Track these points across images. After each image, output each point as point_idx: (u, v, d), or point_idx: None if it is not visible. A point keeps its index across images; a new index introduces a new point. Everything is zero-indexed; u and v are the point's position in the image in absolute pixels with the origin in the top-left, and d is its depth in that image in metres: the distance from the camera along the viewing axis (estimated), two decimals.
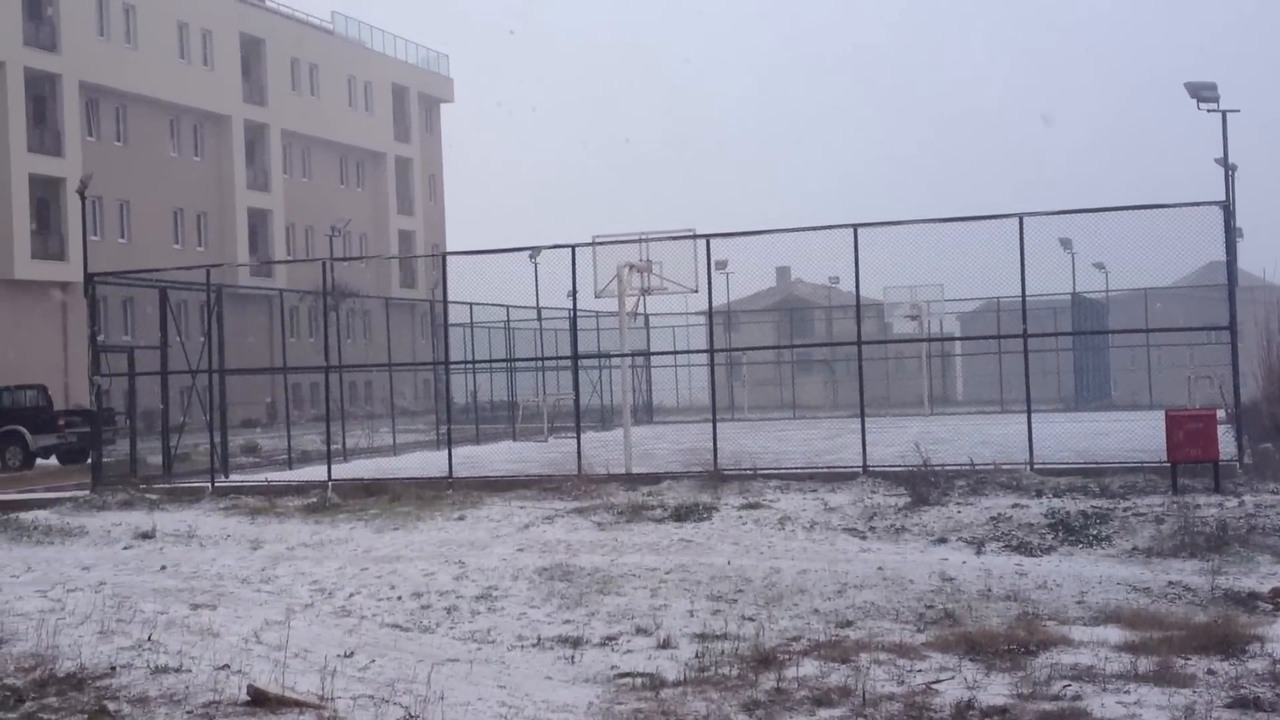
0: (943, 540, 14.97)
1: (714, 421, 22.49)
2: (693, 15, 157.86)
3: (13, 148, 47.69)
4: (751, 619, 11.46)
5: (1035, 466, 19.27)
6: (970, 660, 9.38)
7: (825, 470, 20.90)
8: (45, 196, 49.98)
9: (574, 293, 23.23)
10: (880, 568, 13.45)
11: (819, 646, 10.09)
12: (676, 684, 9.15)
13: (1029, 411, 20.77)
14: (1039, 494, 17.37)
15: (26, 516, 20.06)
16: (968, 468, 19.15)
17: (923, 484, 17.54)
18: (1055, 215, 21.23)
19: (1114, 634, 10.04)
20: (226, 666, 9.68)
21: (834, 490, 18.63)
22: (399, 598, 12.97)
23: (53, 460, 33.20)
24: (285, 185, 63.92)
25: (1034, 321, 23.09)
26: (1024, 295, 20.39)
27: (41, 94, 50.08)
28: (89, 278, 25.05)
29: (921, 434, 27.81)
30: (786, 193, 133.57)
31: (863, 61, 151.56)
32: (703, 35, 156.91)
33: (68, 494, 22.84)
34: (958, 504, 16.87)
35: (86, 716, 8.62)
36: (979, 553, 14.34)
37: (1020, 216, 19.93)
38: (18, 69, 48.09)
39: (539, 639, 10.97)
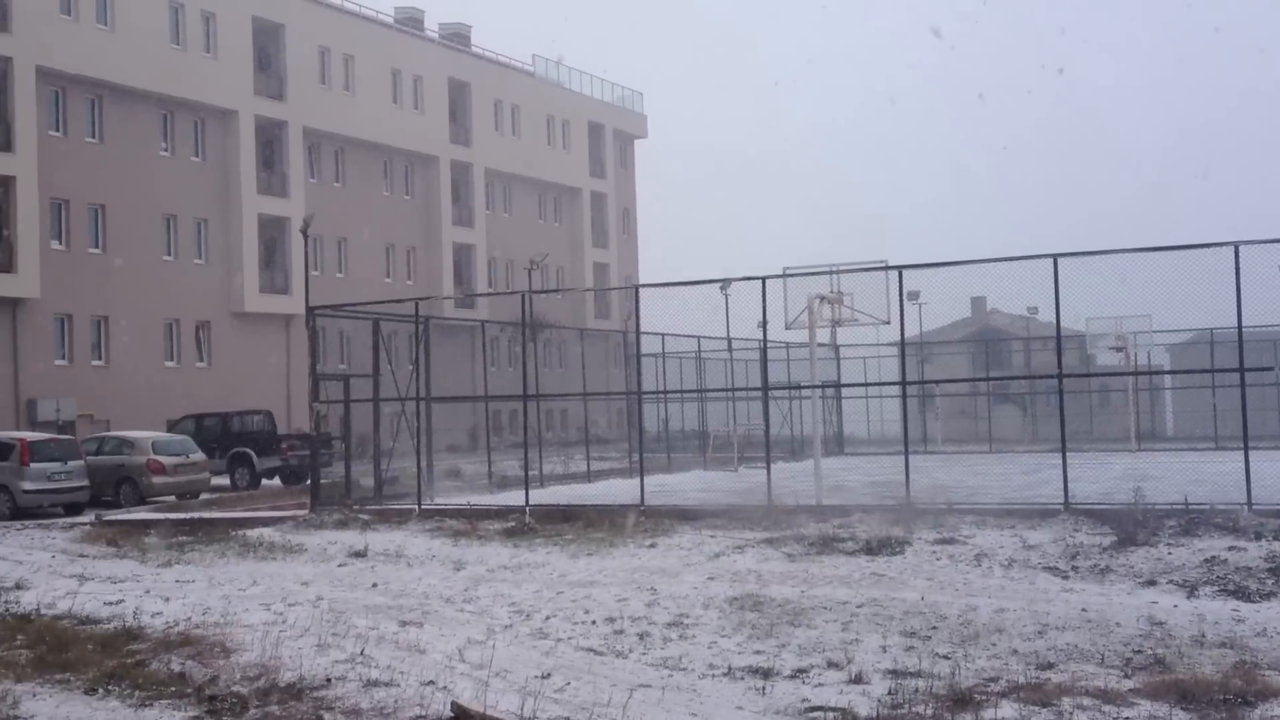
0: (1151, 582, 14.41)
1: (906, 454, 22.26)
2: (885, 47, 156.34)
3: (244, 190, 50.46)
4: (947, 657, 11.18)
5: (1254, 507, 18.51)
6: (1182, 709, 9.04)
7: (1024, 506, 20.49)
8: (272, 235, 52.62)
9: (764, 324, 23.39)
10: (1084, 609, 12.99)
11: (1018, 688, 9.83)
12: None
13: (1246, 449, 19.88)
14: (1258, 536, 16.67)
15: (253, 534, 21.18)
16: (1179, 507, 18.45)
17: (1130, 523, 16.96)
18: (1275, 243, 20.22)
19: None
20: (432, 683, 10.13)
21: (1033, 527, 18.27)
22: (593, 622, 13.15)
23: (276, 481, 34.77)
24: (487, 221, 65.76)
25: (1252, 354, 22.17)
26: (1240, 326, 19.66)
27: (269, 139, 52.84)
28: (310, 311, 26.33)
29: (1128, 471, 26.97)
30: (981, 220, 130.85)
31: (1064, 85, 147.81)
32: (888, 68, 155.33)
33: (288, 513, 24.00)
34: (1168, 545, 16.35)
35: None
36: (1191, 596, 13.70)
37: (1236, 245, 19.12)
38: (249, 117, 50.89)
39: (730, 668, 11.02)
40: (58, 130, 43.82)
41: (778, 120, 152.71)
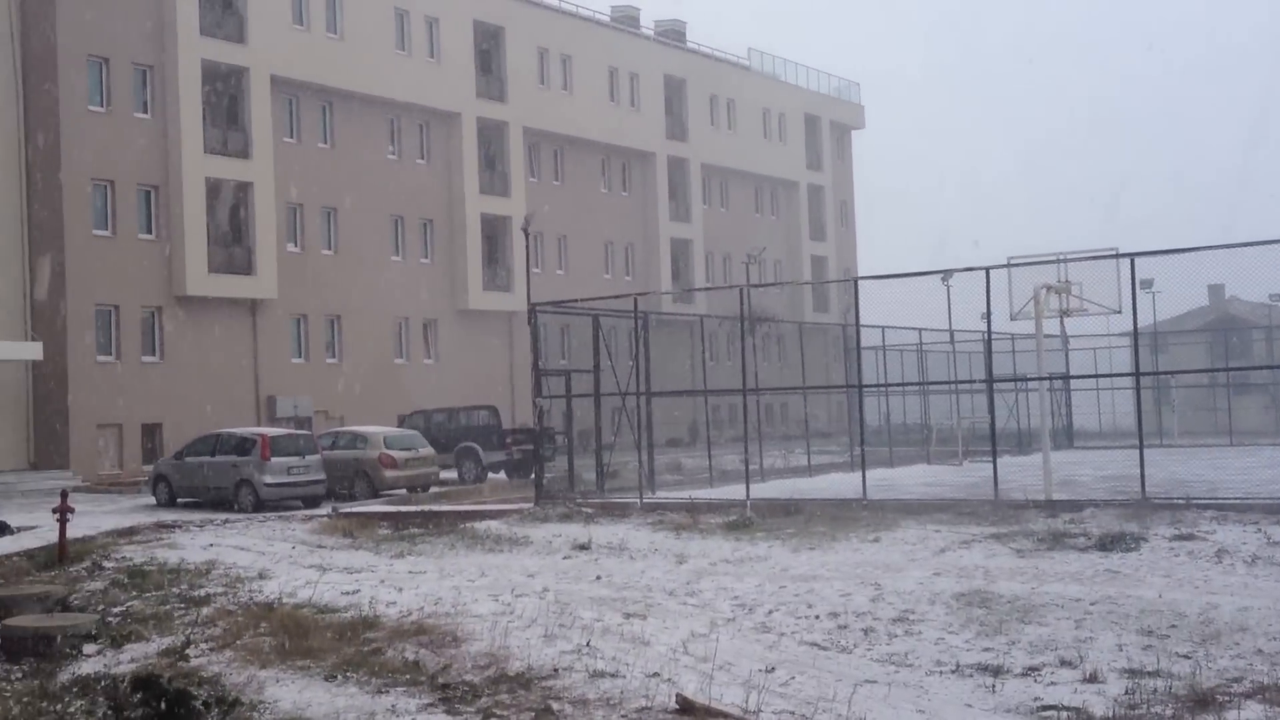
0: None
1: (1140, 447, 21.51)
2: (1121, 27, 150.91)
3: (467, 190, 51.84)
4: (1186, 656, 10.86)
5: None
6: None
7: (1268, 501, 19.52)
8: (494, 234, 53.93)
9: (988, 315, 22.85)
10: None
11: (1264, 689, 9.48)
12: None
13: None
14: None
15: (480, 526, 21.71)
16: None
17: None
18: None
19: None
20: (657, 674, 10.20)
21: (1279, 523, 17.46)
22: (816, 616, 13.10)
23: (501, 475, 35.50)
24: (704, 216, 65.98)
25: None
26: None
27: (491, 140, 54.17)
28: (532, 308, 26.85)
29: None
30: (1219, 205, 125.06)
31: None
32: (1128, 50, 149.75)
33: (514, 506, 24.53)
34: None
35: (533, 715, 9.31)
36: None
37: None
38: (471, 119, 52.26)
39: (958, 665, 10.86)
40: (291, 137, 45.71)
41: (1002, 105, 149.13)
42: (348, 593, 14.67)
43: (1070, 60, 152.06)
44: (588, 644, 11.23)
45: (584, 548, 18.80)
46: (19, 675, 11.83)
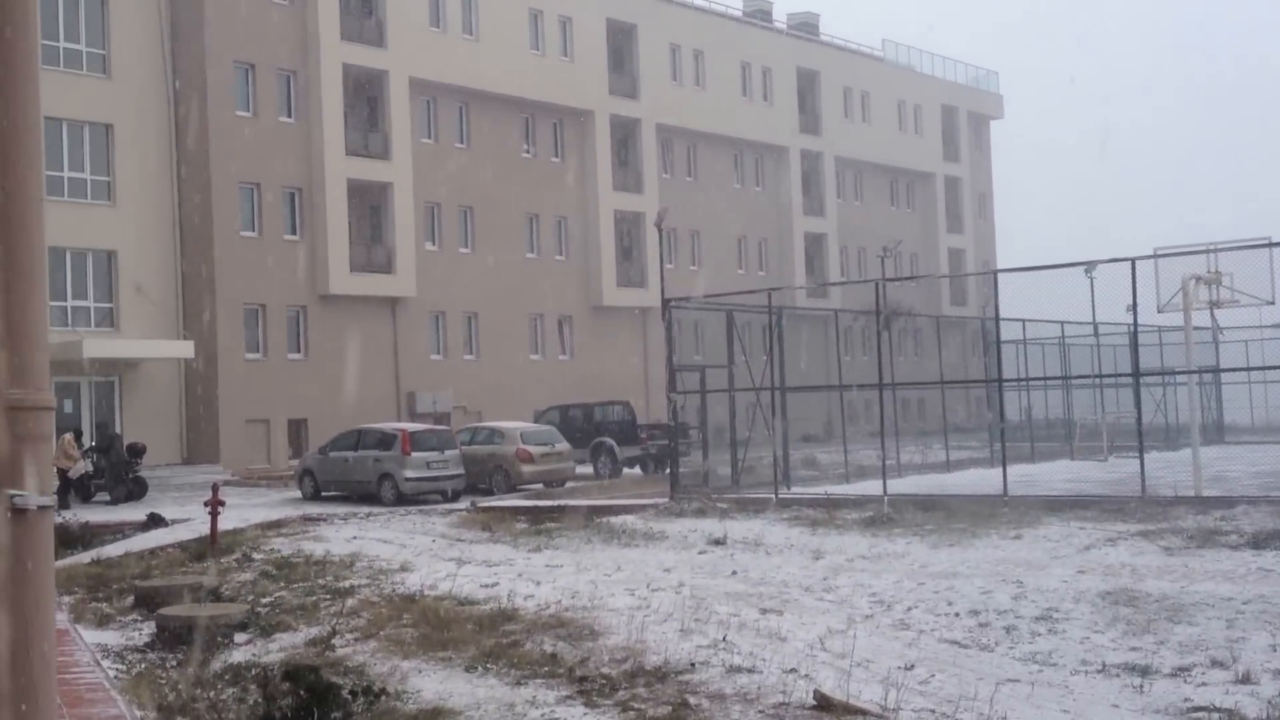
0: None
1: None
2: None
3: (601, 187, 52.18)
4: None
5: None
6: None
7: None
8: (627, 230, 54.21)
9: (1134, 307, 22.31)
10: None
11: None
12: None
13: None
14: None
15: (616, 520, 21.84)
16: None
17: None
18: None
19: None
20: (794, 670, 10.14)
21: None
22: (956, 614, 12.95)
23: (636, 470, 35.73)
24: (838, 209, 65.44)
25: None
26: None
27: (624, 137, 54.44)
28: (666, 303, 26.93)
29: None
30: None
31: None
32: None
33: (649, 501, 24.62)
34: None
35: (670, 709, 9.33)
36: None
37: None
38: (605, 116, 52.58)
39: (1103, 665, 10.65)
40: (429, 137, 46.45)
41: (1147, 91, 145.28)
42: (486, 585, 14.85)
43: (1212, 46, 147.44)
44: (724, 639, 11.22)
45: (719, 543, 18.80)
46: (173, 663, 12.21)
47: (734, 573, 16.02)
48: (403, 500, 28.08)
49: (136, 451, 30.21)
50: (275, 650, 12.16)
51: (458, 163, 47.16)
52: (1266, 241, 21.21)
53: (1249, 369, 40.50)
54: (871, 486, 24.29)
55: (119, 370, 37.20)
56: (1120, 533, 17.41)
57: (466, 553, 18.72)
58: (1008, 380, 29.86)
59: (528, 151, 50.29)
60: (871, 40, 74.00)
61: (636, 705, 9.38)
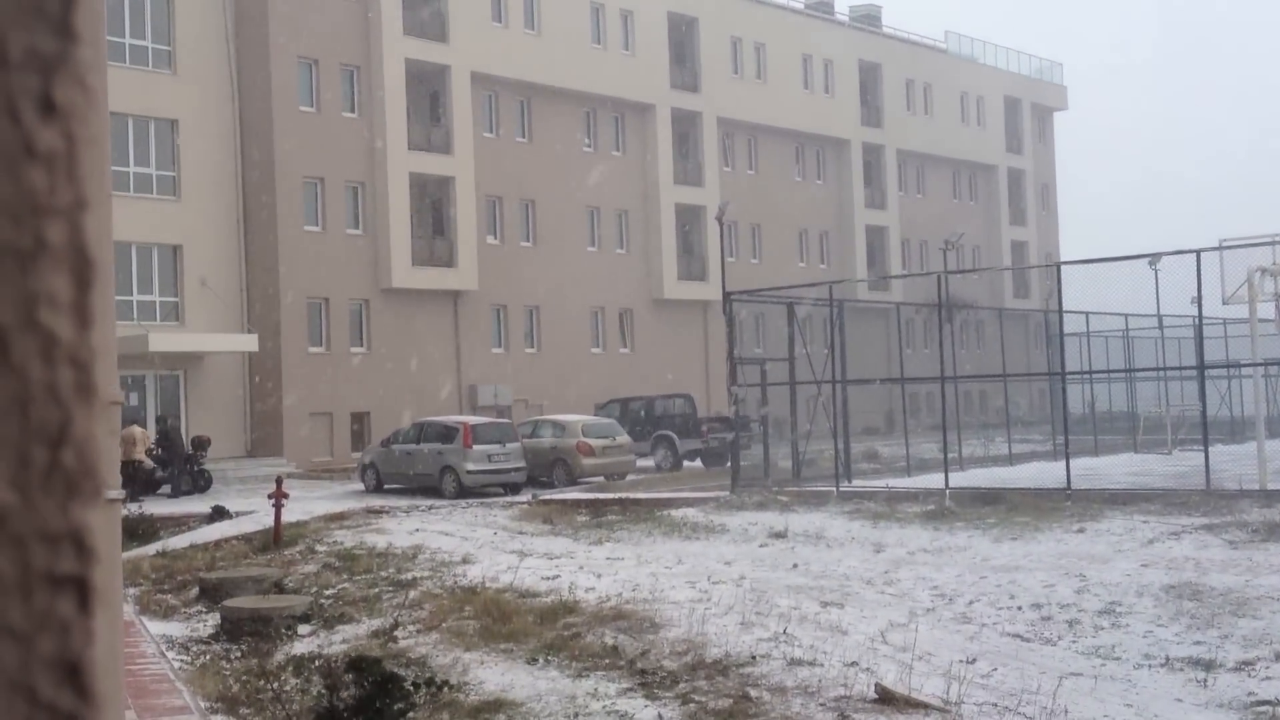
0: None
1: None
2: None
3: (662, 181, 52.23)
4: None
5: None
6: None
7: None
8: (688, 223, 54.21)
9: (1199, 299, 22.05)
10: None
11: None
12: None
13: None
14: None
15: (676, 514, 21.88)
16: None
17: None
18: None
19: None
20: (855, 664, 10.15)
21: None
22: (1018, 608, 12.90)
23: (697, 463, 35.64)
24: (900, 202, 65.03)
25: None
26: None
27: (685, 131, 54.43)
28: (727, 296, 26.93)
29: None
30: None
31: None
32: None
33: (709, 494, 24.64)
34: None
35: (731, 701, 9.36)
36: None
37: None
38: (665, 110, 52.60)
39: (1167, 659, 10.57)
40: (491, 132, 46.67)
41: (1215, 81, 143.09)
42: (548, 578, 14.94)
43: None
44: (785, 632, 11.23)
45: (780, 536, 18.79)
46: (238, 654, 12.39)
47: (795, 566, 16.01)
48: (464, 493, 28.22)
49: (201, 444, 30.61)
50: (338, 642, 12.31)
51: (519, 157, 47.34)
52: None
53: None
54: (933, 480, 24.17)
55: (184, 364, 37.70)
56: (1184, 526, 17.23)
57: (528, 545, 18.83)
58: (1071, 373, 29.56)
59: (589, 145, 50.39)
60: (935, 33, 73.44)
61: (697, 698, 9.42)
